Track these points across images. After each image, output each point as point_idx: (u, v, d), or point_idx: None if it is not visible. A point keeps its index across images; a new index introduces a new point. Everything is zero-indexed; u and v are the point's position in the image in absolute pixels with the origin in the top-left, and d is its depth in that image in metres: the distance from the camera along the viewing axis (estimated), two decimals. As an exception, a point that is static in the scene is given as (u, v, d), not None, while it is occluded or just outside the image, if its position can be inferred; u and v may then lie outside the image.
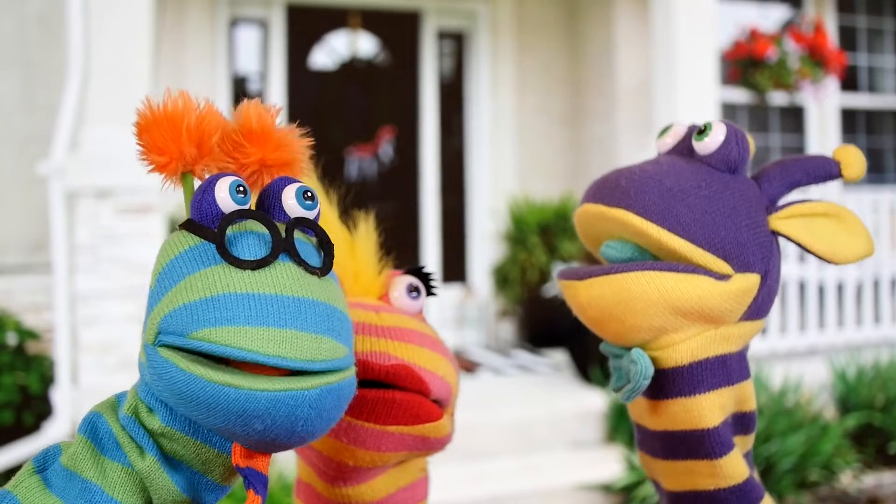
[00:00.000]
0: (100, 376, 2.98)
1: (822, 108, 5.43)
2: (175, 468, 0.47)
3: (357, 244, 0.68)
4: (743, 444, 0.61)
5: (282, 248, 0.46)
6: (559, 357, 4.30)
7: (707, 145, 0.59)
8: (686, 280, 0.54)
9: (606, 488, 2.99)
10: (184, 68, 4.41)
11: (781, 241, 0.61)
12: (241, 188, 0.47)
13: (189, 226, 0.47)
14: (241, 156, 0.50)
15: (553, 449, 3.32)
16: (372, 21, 5.65)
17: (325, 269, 0.48)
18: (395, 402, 0.59)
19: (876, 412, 3.59)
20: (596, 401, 3.44)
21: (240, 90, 4.89)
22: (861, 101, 5.68)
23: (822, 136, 5.46)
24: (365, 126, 6.30)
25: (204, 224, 0.47)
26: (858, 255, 0.59)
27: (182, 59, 4.41)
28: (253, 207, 0.49)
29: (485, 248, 4.95)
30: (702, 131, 0.60)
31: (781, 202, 0.61)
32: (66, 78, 3.23)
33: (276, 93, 4.68)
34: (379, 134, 6.24)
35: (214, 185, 0.47)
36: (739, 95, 4.90)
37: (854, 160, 0.61)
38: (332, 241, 0.50)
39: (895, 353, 4.04)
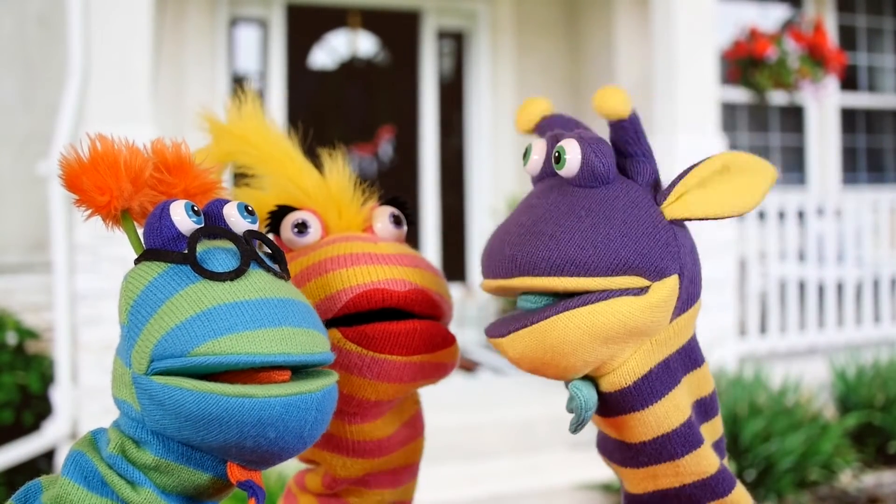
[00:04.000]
0: (100, 376, 2.98)
1: (822, 107, 5.43)
2: (169, 498, 0.47)
3: (331, 181, 0.68)
4: (709, 432, 0.60)
5: (250, 256, 0.48)
6: (559, 356, 4.30)
7: (569, 170, 0.56)
8: (604, 308, 0.52)
9: (606, 488, 2.99)
10: (183, 68, 4.41)
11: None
12: (195, 209, 0.49)
13: (152, 254, 0.48)
14: (166, 188, 0.52)
15: (553, 448, 3.32)
16: (372, 20, 5.65)
17: (286, 273, 0.50)
18: (417, 331, 0.59)
19: (876, 411, 3.59)
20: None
21: (239, 90, 4.89)
22: (861, 100, 5.68)
23: (822, 135, 5.46)
24: (365, 125, 6.31)
25: (166, 249, 0.48)
26: (763, 191, 0.56)
27: (182, 59, 4.41)
28: None
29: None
30: (558, 159, 0.57)
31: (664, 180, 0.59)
32: (66, 78, 3.23)
33: (276, 92, 4.68)
34: (379, 133, 6.25)
35: (168, 209, 0.48)
36: (739, 95, 4.90)
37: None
38: (282, 250, 0.52)
39: (895, 352, 4.04)
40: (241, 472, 0.46)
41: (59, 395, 3.05)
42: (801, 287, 4.23)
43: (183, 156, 0.52)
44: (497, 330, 0.57)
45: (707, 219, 0.56)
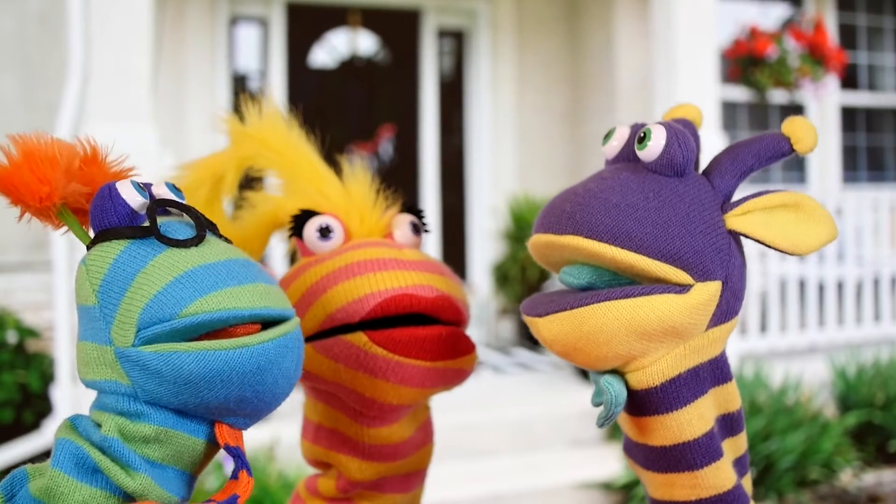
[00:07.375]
0: (100, 375, 2.97)
1: (823, 106, 5.43)
2: (164, 477, 0.47)
3: (351, 188, 0.69)
4: (732, 447, 0.60)
5: (205, 225, 0.49)
6: (559, 355, 4.30)
7: (650, 152, 0.57)
8: (644, 303, 0.52)
9: (606, 486, 2.99)
10: (184, 66, 4.41)
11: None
12: (142, 185, 0.49)
13: (111, 234, 0.47)
14: (89, 180, 0.51)
15: (553, 447, 3.32)
16: (372, 19, 5.65)
17: (229, 242, 0.52)
18: (442, 337, 0.60)
19: (876, 410, 3.59)
20: (596, 399, 3.44)
21: (240, 88, 4.89)
22: (861, 99, 5.67)
23: (823, 134, 5.45)
24: (365, 124, 6.30)
25: (123, 226, 0.47)
26: (821, 242, 0.56)
27: (182, 58, 4.41)
28: None
29: (485, 246, 4.95)
30: (642, 139, 0.57)
31: (738, 194, 0.59)
32: (66, 77, 3.23)
33: (277, 91, 4.68)
34: (379, 132, 6.24)
35: (115, 188, 0.48)
36: (740, 94, 4.90)
37: (804, 133, 0.58)
38: (212, 221, 0.52)
39: (895, 351, 4.04)
40: (229, 433, 0.47)
41: (60, 393, 3.05)
42: (802, 286, 4.22)
43: (94, 148, 0.52)
44: (535, 308, 0.57)
45: (761, 242, 0.56)
